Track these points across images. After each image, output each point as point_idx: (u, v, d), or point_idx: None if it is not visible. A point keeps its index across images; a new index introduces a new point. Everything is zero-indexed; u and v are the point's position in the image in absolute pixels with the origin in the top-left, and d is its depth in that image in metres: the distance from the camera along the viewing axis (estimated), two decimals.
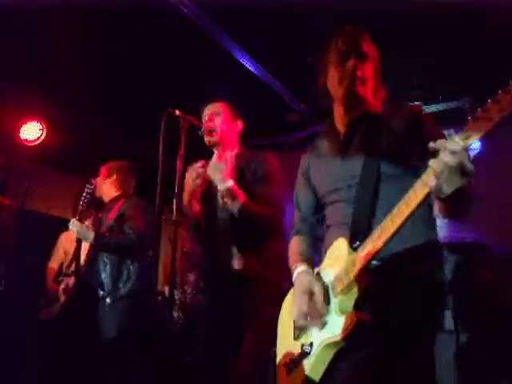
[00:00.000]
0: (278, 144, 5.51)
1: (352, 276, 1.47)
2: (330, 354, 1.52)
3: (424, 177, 1.29)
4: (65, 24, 3.81)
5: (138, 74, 4.42)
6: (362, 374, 1.49)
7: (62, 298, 4.13)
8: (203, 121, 2.55)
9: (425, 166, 1.30)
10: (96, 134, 5.08)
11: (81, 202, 3.51)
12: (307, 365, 1.58)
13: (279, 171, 2.55)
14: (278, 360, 1.78)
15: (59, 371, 3.83)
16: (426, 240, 1.61)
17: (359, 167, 1.68)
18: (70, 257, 4.42)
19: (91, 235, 3.30)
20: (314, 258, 1.87)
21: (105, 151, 4.99)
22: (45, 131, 4.90)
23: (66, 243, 4.52)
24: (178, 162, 2.26)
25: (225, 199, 2.35)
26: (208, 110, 2.62)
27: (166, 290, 4.19)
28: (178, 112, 2.29)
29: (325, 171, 1.84)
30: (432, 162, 1.25)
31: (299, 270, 1.78)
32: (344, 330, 1.44)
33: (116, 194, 3.68)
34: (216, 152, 2.63)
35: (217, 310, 2.57)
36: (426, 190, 1.29)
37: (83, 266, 3.73)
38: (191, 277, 4.69)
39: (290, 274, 2.46)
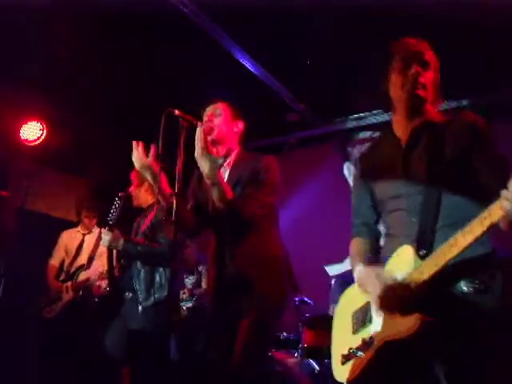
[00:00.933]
0: (278, 144, 5.52)
1: (418, 282, 1.54)
2: (390, 351, 1.61)
3: (501, 201, 1.33)
4: (65, 24, 3.82)
5: (138, 73, 4.42)
6: (420, 372, 1.61)
7: (66, 297, 4.15)
8: (203, 121, 2.55)
9: (486, 181, 1.47)
10: (96, 134, 5.09)
11: (110, 216, 3.48)
12: (366, 357, 1.68)
13: (279, 177, 2.54)
14: (333, 349, 1.90)
15: (59, 371, 3.83)
16: (481, 252, 1.64)
17: (421, 176, 1.72)
18: (71, 255, 4.44)
19: (121, 243, 3.30)
20: (372, 259, 1.94)
21: (105, 151, 5.00)
22: (45, 131, 4.90)
23: (67, 241, 4.53)
24: (178, 161, 2.25)
25: (213, 191, 2.32)
26: (208, 111, 2.62)
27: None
28: (177, 112, 2.29)
29: (385, 177, 1.87)
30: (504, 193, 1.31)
31: (360, 268, 1.84)
32: (410, 329, 1.51)
33: (152, 201, 3.66)
34: (216, 152, 2.63)
35: (215, 314, 2.57)
36: (501, 213, 1.34)
37: (116, 273, 3.72)
38: (188, 281, 4.70)
39: (283, 276, 2.49)
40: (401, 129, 1.86)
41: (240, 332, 2.32)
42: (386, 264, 1.74)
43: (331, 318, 4.29)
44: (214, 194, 2.32)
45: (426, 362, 1.61)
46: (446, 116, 1.83)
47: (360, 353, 1.70)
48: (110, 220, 3.43)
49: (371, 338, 1.68)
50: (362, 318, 1.78)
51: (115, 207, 3.49)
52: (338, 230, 5.23)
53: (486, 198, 1.41)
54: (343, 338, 1.85)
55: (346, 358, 1.76)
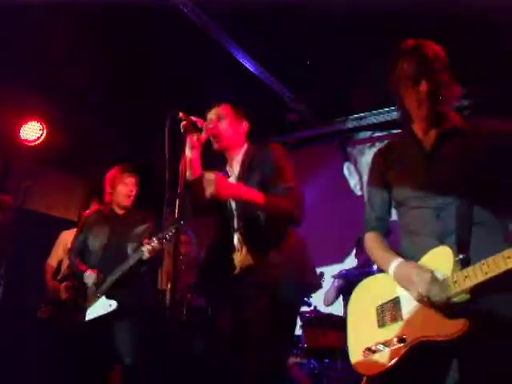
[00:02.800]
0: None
1: (463, 287, 1.56)
2: (424, 349, 1.62)
3: None
4: (65, 24, 3.82)
5: (138, 73, 4.42)
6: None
7: (64, 297, 4.13)
8: (206, 126, 2.47)
9: None
10: (96, 134, 5.08)
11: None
12: (397, 351, 1.68)
13: (285, 158, 2.49)
14: (351, 340, 1.90)
15: (59, 371, 3.83)
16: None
17: (451, 178, 1.73)
18: None
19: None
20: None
21: (105, 151, 5.00)
22: (45, 131, 4.90)
23: (67, 240, 4.50)
24: (182, 163, 2.25)
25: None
26: (212, 115, 2.58)
27: (168, 289, 4.21)
28: (181, 114, 2.28)
29: (408, 176, 1.86)
30: None
31: (399, 263, 1.78)
32: (457, 331, 1.54)
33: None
34: (227, 156, 2.61)
35: (217, 311, 2.57)
36: None
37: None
38: (190, 277, 4.70)
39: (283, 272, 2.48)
40: (421, 131, 1.86)
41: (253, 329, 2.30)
42: (420, 261, 1.73)
43: (330, 317, 4.31)
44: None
45: (449, 361, 1.63)
46: (469, 122, 1.83)
47: (388, 348, 1.70)
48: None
49: (404, 335, 1.68)
50: (392, 314, 1.77)
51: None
52: (337, 230, 5.26)
53: None
54: (366, 331, 1.84)
55: (371, 351, 1.76)
